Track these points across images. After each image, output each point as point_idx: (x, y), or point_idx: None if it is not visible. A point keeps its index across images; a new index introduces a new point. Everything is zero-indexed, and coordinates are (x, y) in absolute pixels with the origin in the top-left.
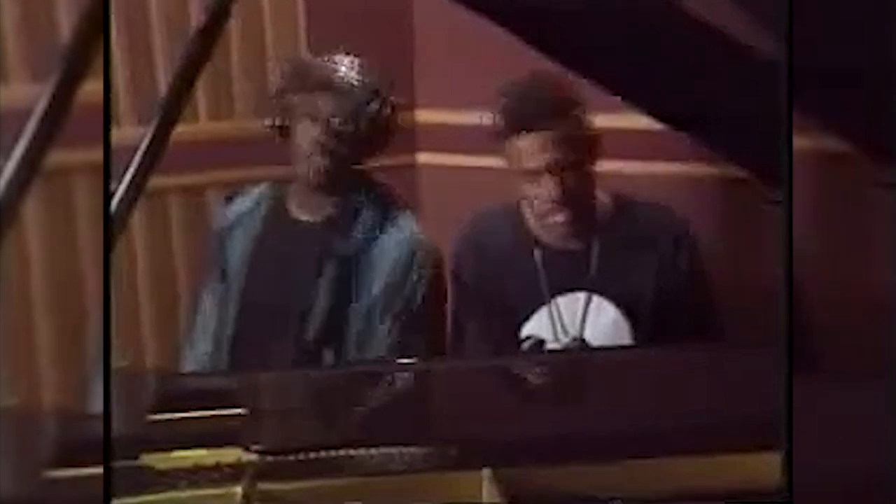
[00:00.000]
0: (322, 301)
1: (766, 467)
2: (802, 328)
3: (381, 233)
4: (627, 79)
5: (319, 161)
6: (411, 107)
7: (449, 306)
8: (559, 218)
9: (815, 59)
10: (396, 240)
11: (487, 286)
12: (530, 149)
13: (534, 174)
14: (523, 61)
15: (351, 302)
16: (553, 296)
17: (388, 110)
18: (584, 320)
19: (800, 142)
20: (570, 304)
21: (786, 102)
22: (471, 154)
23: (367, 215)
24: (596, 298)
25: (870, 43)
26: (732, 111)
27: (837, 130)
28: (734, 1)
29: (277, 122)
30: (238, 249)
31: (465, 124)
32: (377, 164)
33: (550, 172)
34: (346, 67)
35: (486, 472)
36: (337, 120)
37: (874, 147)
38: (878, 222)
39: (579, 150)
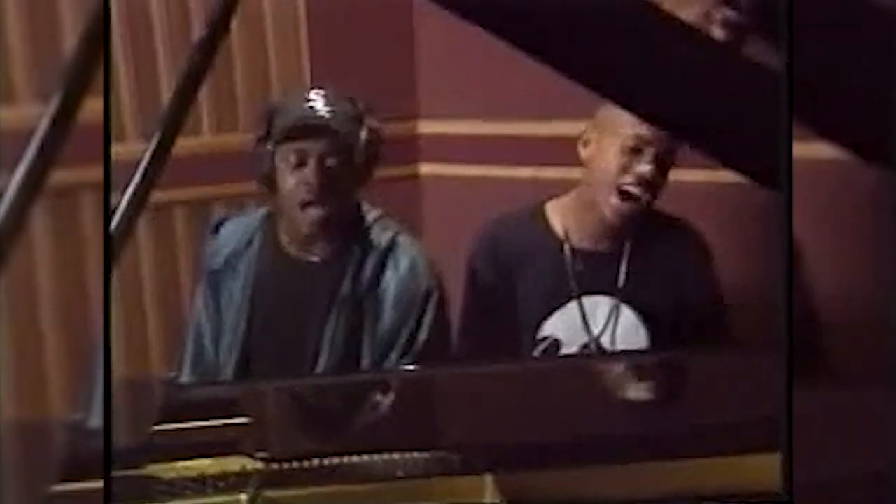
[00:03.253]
0: (330, 341)
1: (767, 469)
2: (809, 332)
3: (385, 265)
4: (628, 87)
5: (316, 207)
6: (413, 118)
7: (462, 307)
8: (630, 197)
9: (813, 66)
10: (401, 270)
11: (505, 286)
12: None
13: (637, 142)
14: (524, 71)
15: (362, 339)
16: (580, 295)
17: (374, 136)
18: (607, 323)
19: (799, 148)
20: (593, 306)
21: (786, 102)
22: (473, 164)
23: (369, 248)
24: (620, 303)
25: (870, 51)
26: (732, 118)
27: (836, 137)
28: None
29: (262, 171)
30: (235, 292)
31: (467, 134)
32: (379, 176)
33: (655, 150)
34: (322, 102)
35: (488, 476)
36: (330, 159)
37: (874, 153)
38: (879, 227)
39: (673, 144)
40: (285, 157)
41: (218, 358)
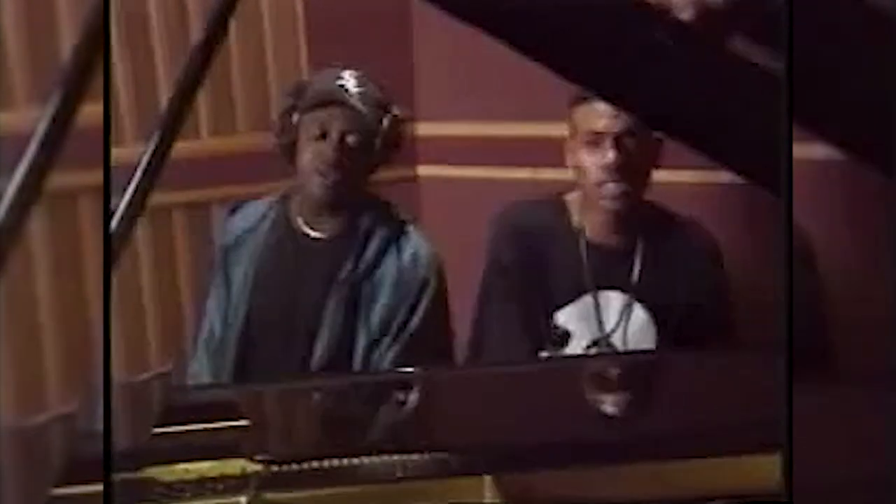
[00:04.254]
0: (329, 320)
1: (766, 469)
2: (809, 333)
3: (387, 251)
4: (627, 88)
5: (330, 178)
6: (412, 119)
7: (479, 290)
8: (610, 189)
9: (813, 67)
10: (403, 259)
11: (523, 272)
12: (596, 113)
13: (596, 138)
14: (522, 73)
15: (358, 321)
16: (595, 290)
17: (397, 124)
18: (620, 319)
19: (799, 149)
20: (606, 302)
21: (786, 103)
22: (472, 166)
23: (374, 233)
24: (632, 300)
25: (869, 54)
26: (732, 119)
27: (837, 139)
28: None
29: (284, 141)
30: (243, 266)
31: (466, 136)
32: (378, 178)
33: (613, 138)
34: (353, 82)
35: (487, 478)
36: (350, 136)
37: (874, 155)
38: (880, 228)
39: (640, 132)
40: (308, 127)
41: (225, 334)
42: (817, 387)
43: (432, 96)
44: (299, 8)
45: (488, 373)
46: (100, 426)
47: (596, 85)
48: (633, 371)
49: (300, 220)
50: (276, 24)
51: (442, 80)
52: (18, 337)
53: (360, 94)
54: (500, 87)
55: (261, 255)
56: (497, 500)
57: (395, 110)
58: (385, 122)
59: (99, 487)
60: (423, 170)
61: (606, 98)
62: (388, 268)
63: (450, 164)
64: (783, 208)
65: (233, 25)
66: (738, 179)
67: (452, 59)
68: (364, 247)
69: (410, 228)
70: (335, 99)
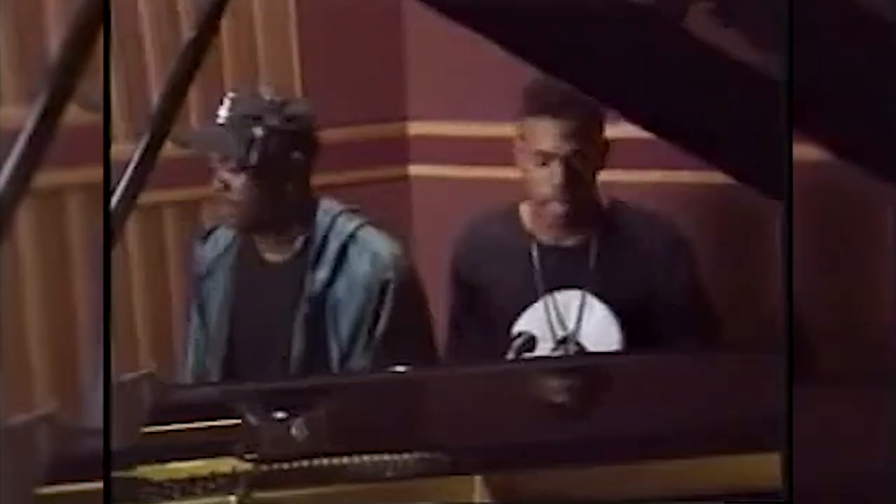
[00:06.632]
0: (299, 340)
1: (766, 468)
2: (801, 332)
3: (344, 259)
4: (624, 91)
5: (235, 208)
6: (403, 119)
7: (447, 305)
8: (556, 207)
9: (813, 72)
10: (361, 263)
11: (484, 283)
12: (546, 132)
13: (544, 157)
14: (516, 73)
15: (328, 334)
16: (549, 291)
17: (280, 128)
18: (579, 318)
19: (798, 152)
20: (565, 301)
21: (786, 103)
22: (463, 165)
23: (327, 245)
24: (589, 296)
25: (869, 57)
26: (730, 122)
27: (836, 142)
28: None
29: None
30: (217, 294)
31: (458, 136)
32: (369, 177)
33: (561, 160)
34: (222, 110)
35: (477, 477)
36: (228, 162)
37: (874, 158)
38: (879, 231)
39: (589, 147)
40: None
41: (209, 362)
42: (817, 386)
43: (424, 95)
44: (291, 6)
45: (480, 372)
46: (87, 425)
47: (586, 83)
48: (630, 370)
49: (261, 245)
50: (268, 23)
51: (434, 79)
52: (5, 335)
53: (227, 122)
54: (493, 86)
55: (232, 282)
56: (487, 500)
57: (276, 115)
58: (258, 134)
59: (87, 486)
60: (415, 169)
61: (596, 94)
62: (349, 275)
63: (441, 163)
64: (784, 210)
65: (224, 24)
66: (726, 180)
67: (445, 58)
68: (318, 260)
69: (366, 230)
70: (203, 141)
